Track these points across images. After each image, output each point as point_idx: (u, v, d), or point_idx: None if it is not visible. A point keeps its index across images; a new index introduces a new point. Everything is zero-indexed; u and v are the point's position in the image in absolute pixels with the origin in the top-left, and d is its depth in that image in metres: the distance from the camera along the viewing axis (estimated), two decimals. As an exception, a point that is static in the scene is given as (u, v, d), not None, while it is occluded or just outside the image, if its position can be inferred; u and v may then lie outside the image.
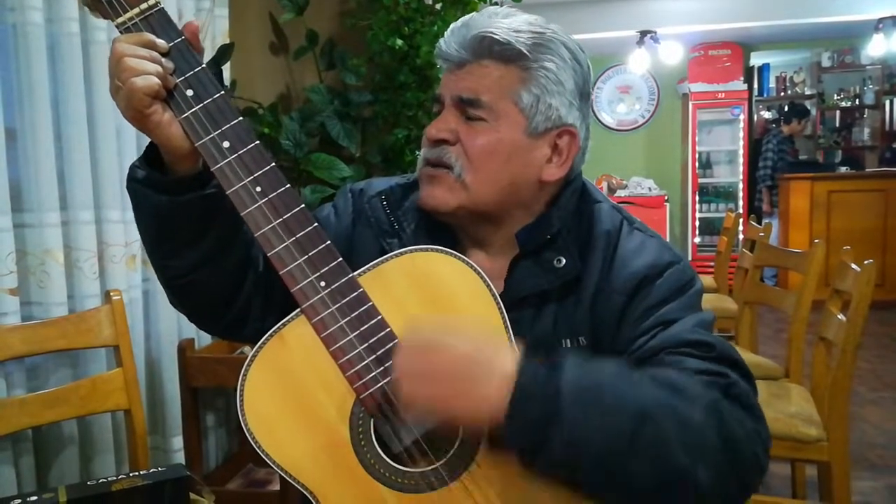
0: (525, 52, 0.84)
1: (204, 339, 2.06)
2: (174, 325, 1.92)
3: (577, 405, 0.68)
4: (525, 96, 0.85)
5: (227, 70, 2.18)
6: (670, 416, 0.70)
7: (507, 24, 0.85)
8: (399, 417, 0.77)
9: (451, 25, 0.89)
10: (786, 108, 6.42)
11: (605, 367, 0.74)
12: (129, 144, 1.74)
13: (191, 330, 1.97)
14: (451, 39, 0.87)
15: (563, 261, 0.87)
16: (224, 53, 2.13)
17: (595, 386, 0.70)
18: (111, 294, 1.53)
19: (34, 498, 1.24)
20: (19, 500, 1.23)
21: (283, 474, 0.76)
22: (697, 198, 6.87)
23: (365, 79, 2.61)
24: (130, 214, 1.75)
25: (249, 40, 2.48)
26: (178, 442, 1.89)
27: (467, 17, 0.88)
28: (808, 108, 6.81)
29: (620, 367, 0.75)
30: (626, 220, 0.92)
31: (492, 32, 0.84)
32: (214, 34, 2.16)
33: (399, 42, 2.45)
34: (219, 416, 2.17)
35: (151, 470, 1.35)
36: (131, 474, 1.33)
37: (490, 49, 0.85)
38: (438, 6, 2.61)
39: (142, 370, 1.78)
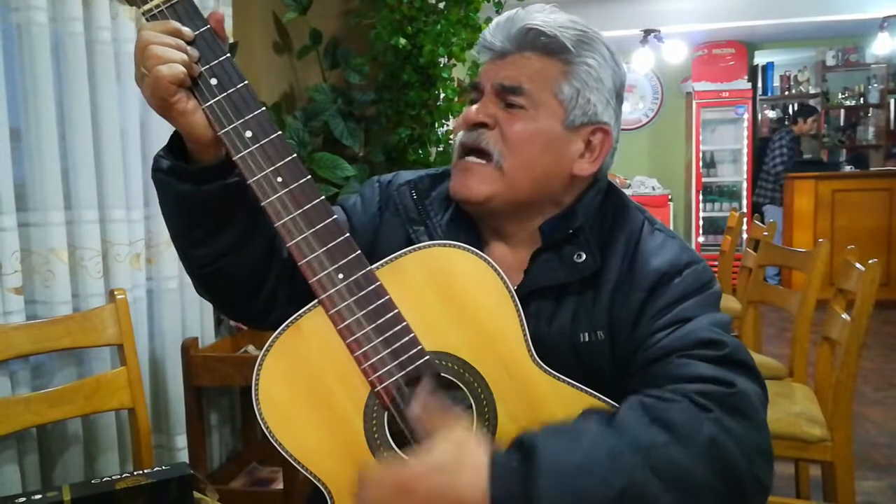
0: (569, 46, 0.86)
1: (208, 338, 2.06)
2: (178, 324, 1.92)
3: (555, 500, 0.66)
4: (566, 89, 0.87)
5: (230, 69, 2.19)
6: (659, 472, 0.68)
7: (553, 20, 0.87)
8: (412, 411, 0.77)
9: (496, 19, 0.91)
10: (797, 107, 6.41)
11: (579, 444, 0.70)
12: (133, 144, 1.75)
13: (195, 329, 1.98)
14: (496, 31, 0.89)
15: (584, 256, 0.88)
16: (228, 53, 2.14)
17: (571, 478, 0.67)
18: (115, 293, 1.53)
19: (38, 496, 1.24)
20: (24, 499, 1.23)
21: (294, 463, 0.77)
22: (701, 197, 6.86)
23: (368, 78, 2.61)
24: (135, 213, 1.77)
25: (253, 39, 2.48)
26: (181, 440, 1.90)
27: (511, 11, 0.90)
28: (805, 110, 6.83)
29: (599, 431, 0.72)
30: (648, 221, 0.94)
31: (538, 25, 0.86)
32: (218, 33, 2.16)
33: (402, 41, 2.45)
34: (223, 415, 2.17)
35: (155, 468, 1.36)
36: (135, 473, 1.33)
37: (535, 41, 0.87)
38: (442, 5, 2.60)
39: (146, 369, 1.79)
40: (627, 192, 6.88)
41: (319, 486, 0.77)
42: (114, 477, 1.32)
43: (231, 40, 2.18)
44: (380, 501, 0.69)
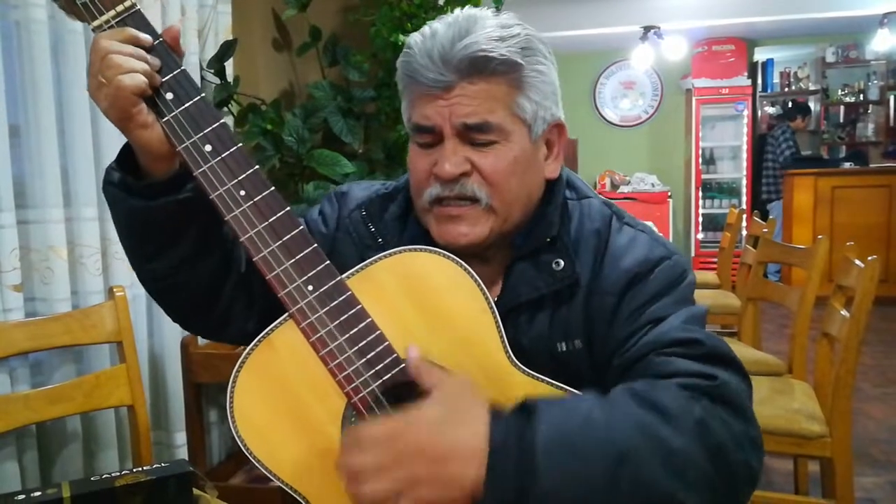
0: (518, 60, 0.81)
1: (207, 335, 2.06)
2: (177, 321, 1.92)
3: (552, 463, 0.65)
4: (526, 105, 0.83)
5: (229, 66, 2.19)
6: (654, 450, 0.67)
7: (487, 35, 0.79)
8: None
9: (416, 45, 0.82)
10: (789, 105, 6.40)
11: (579, 408, 0.70)
12: (132, 141, 1.75)
13: (194, 326, 1.98)
14: (425, 63, 0.80)
15: (562, 263, 0.85)
16: (227, 50, 2.14)
17: (569, 436, 0.66)
18: (114, 290, 1.53)
19: (38, 493, 1.24)
20: (23, 496, 1.23)
21: (275, 480, 0.75)
22: (701, 194, 6.86)
23: (368, 75, 2.61)
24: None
25: (252, 37, 2.48)
26: (181, 437, 1.90)
27: (430, 36, 0.81)
28: (811, 104, 6.80)
29: (595, 403, 0.71)
30: (616, 215, 0.90)
31: (482, 50, 0.79)
32: (217, 31, 2.16)
33: (402, 38, 2.45)
34: (222, 412, 2.17)
35: (155, 465, 1.36)
36: (135, 470, 1.33)
37: (480, 66, 0.79)
38: (441, 2, 2.60)
39: (145, 366, 1.79)
40: (627, 188, 6.91)
41: (301, 501, 0.76)
42: (113, 474, 1.32)
43: (230, 37, 2.18)
44: (374, 464, 0.65)
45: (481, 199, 0.83)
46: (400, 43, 2.45)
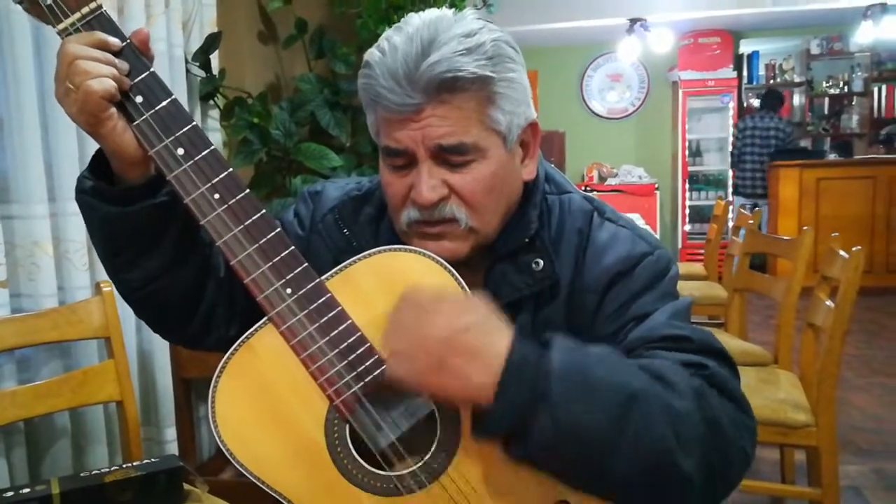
0: (488, 74, 0.77)
1: (195, 329, 2.05)
2: (165, 317, 1.91)
3: (565, 387, 0.67)
4: (499, 117, 0.80)
5: (215, 59, 2.17)
6: (658, 403, 0.68)
7: (452, 49, 0.75)
8: (374, 420, 0.76)
9: (375, 65, 0.78)
10: (765, 95, 6.26)
11: (594, 349, 0.72)
12: (117, 135, 1.73)
13: (182, 321, 1.97)
14: (390, 85, 0.76)
15: (541, 263, 0.84)
16: (212, 42, 2.12)
17: (584, 367, 0.69)
18: (101, 285, 1.52)
19: (27, 490, 1.24)
20: (12, 493, 1.23)
21: (260, 485, 0.75)
22: (687, 186, 6.90)
23: (355, 67, 2.60)
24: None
25: (238, 29, 2.46)
26: (171, 433, 1.89)
27: (391, 52, 0.77)
28: (796, 96, 6.83)
29: (610, 350, 0.74)
30: (597, 211, 0.89)
31: (447, 70, 0.75)
32: (202, 23, 2.15)
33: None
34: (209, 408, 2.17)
35: (145, 461, 1.35)
36: (124, 465, 1.33)
37: (448, 84, 0.76)
38: (428, -6, 2.59)
39: (133, 361, 1.78)
40: (614, 181, 6.93)
41: (285, 503, 0.75)
42: (103, 470, 1.32)
43: (215, 30, 2.16)
44: (406, 344, 0.70)
45: (461, 221, 0.81)
46: (387, 35, 2.44)
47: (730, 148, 6.68)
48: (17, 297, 1.54)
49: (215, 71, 2.17)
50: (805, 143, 6.87)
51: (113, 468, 1.32)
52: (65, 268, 1.62)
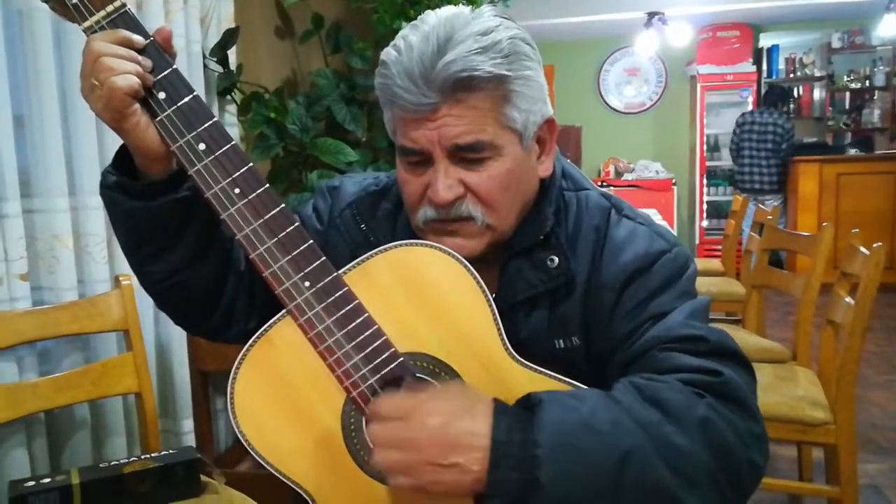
0: (504, 73, 0.77)
1: (213, 323, 2.07)
2: (183, 310, 1.93)
3: (555, 463, 0.65)
4: (515, 115, 0.80)
5: (232, 54, 2.18)
6: (658, 450, 0.67)
7: (468, 48, 0.75)
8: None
9: (392, 67, 0.78)
10: (769, 89, 6.12)
11: (582, 406, 0.69)
12: (136, 130, 1.74)
13: (199, 314, 1.98)
14: (406, 85, 0.77)
15: (556, 260, 0.84)
16: (230, 38, 2.13)
17: (572, 436, 0.67)
18: (120, 279, 1.54)
19: (47, 480, 1.26)
20: (33, 482, 1.25)
21: (277, 475, 0.76)
22: (705, 181, 6.83)
23: (371, 62, 2.60)
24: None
25: (255, 24, 2.47)
26: (188, 424, 1.91)
27: (406, 52, 0.77)
28: (815, 91, 6.73)
29: (599, 400, 0.71)
30: (615, 208, 0.88)
31: (463, 70, 0.75)
32: (220, 19, 2.16)
33: (405, 24, 2.44)
34: (227, 399, 2.18)
35: (163, 452, 1.37)
36: (143, 457, 1.35)
37: (464, 83, 0.76)
38: (444, -12, 2.59)
39: (152, 354, 1.80)
40: (631, 176, 6.87)
41: (303, 494, 0.76)
42: (122, 461, 1.34)
43: (233, 25, 2.17)
44: (387, 438, 0.68)
45: (477, 219, 0.81)
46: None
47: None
48: (37, 290, 1.56)
49: (233, 66, 2.18)
50: (820, 137, 6.78)
51: (132, 459, 1.34)
52: (84, 261, 1.64)
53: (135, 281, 1.61)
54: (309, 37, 2.54)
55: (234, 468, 2.10)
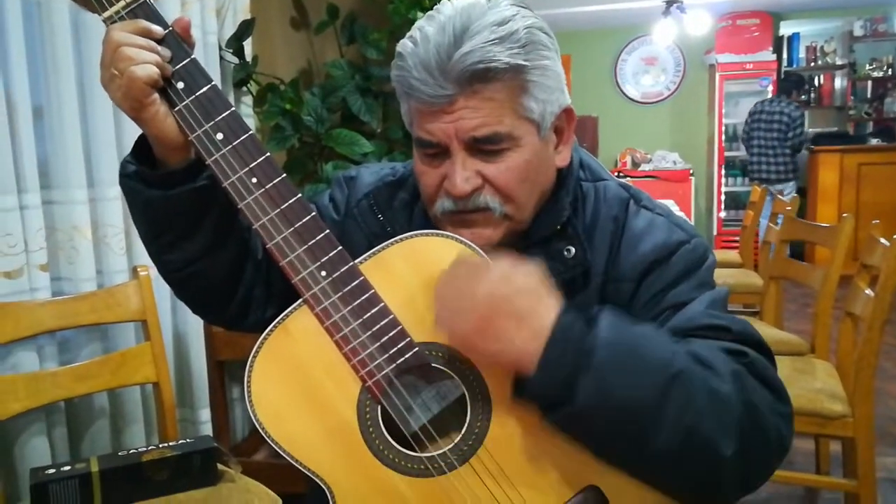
0: (521, 63, 0.77)
1: (229, 313, 2.08)
2: (200, 300, 1.94)
3: (610, 358, 0.67)
4: (532, 105, 0.80)
5: (248, 46, 2.19)
6: (700, 383, 0.69)
7: (485, 39, 0.75)
8: (406, 402, 0.77)
9: (409, 59, 0.78)
10: (781, 79, 6.00)
11: (641, 326, 0.73)
12: (153, 121, 1.75)
13: (216, 305, 2.00)
14: (423, 77, 0.76)
15: (573, 250, 0.84)
16: (245, 29, 2.13)
17: (630, 340, 0.70)
18: (139, 269, 1.55)
19: (67, 468, 1.27)
20: (53, 470, 1.27)
21: (294, 463, 0.77)
22: (723, 171, 6.76)
23: (386, 53, 2.60)
24: (155, 191, 1.78)
25: (270, 15, 2.47)
26: (205, 414, 1.93)
27: (423, 43, 0.77)
28: (837, 79, 6.62)
29: (656, 329, 0.75)
30: (633, 199, 0.88)
31: (480, 61, 0.75)
32: (235, 10, 2.16)
33: (420, 15, 2.43)
34: (245, 388, 2.20)
35: (180, 441, 1.39)
36: (161, 445, 1.36)
37: (481, 75, 0.76)
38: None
39: (169, 344, 1.81)
40: (648, 166, 6.81)
41: (319, 482, 0.77)
42: (140, 449, 1.35)
43: (248, 16, 2.17)
44: (460, 303, 0.71)
45: (495, 210, 0.82)
46: (418, 19, 2.43)
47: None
48: (57, 281, 1.57)
49: (248, 57, 2.18)
50: (841, 126, 6.67)
51: (150, 448, 1.35)
52: (103, 252, 1.66)
53: (153, 271, 1.63)
54: (324, 28, 2.53)
55: (250, 457, 2.12)
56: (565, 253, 0.84)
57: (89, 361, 1.50)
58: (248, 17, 2.18)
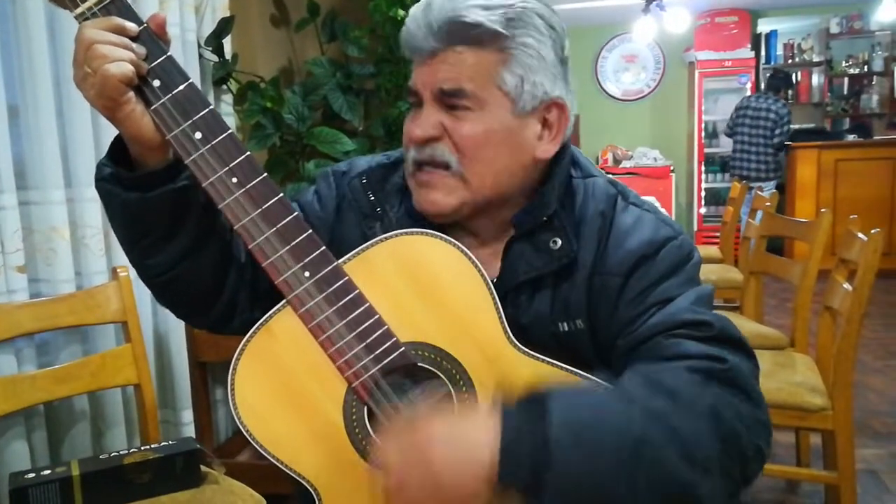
0: (501, 30, 0.79)
1: (211, 314, 2.07)
2: (181, 301, 1.93)
3: (567, 454, 0.64)
4: (508, 78, 0.81)
5: (227, 43, 2.17)
6: (667, 436, 0.67)
7: (474, 2, 0.79)
8: (392, 401, 0.77)
9: (412, 11, 0.82)
10: (768, 76, 6.04)
11: (591, 396, 0.70)
12: (131, 120, 1.73)
13: (198, 305, 1.98)
14: (415, 29, 0.81)
15: (559, 242, 0.85)
16: (224, 27, 2.12)
17: (583, 424, 0.66)
18: (118, 270, 1.54)
19: (48, 472, 1.26)
20: (33, 474, 1.25)
21: (279, 465, 0.76)
22: (703, 168, 6.82)
23: (367, 51, 2.59)
24: (135, 191, 1.76)
25: (250, 13, 2.45)
26: (188, 415, 1.91)
27: (427, 4, 0.81)
28: (814, 76, 6.70)
29: (606, 391, 0.72)
30: (621, 195, 0.89)
31: (461, 16, 0.78)
32: (214, 7, 2.14)
33: (401, 13, 2.42)
34: (228, 390, 2.19)
35: (162, 443, 1.37)
36: (143, 448, 1.35)
37: (462, 34, 0.79)
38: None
39: (150, 345, 1.80)
40: (629, 163, 6.85)
41: (306, 485, 0.76)
42: (121, 452, 1.34)
43: (228, 14, 2.15)
44: (399, 480, 0.66)
45: (451, 165, 0.83)
46: (399, 17, 2.43)
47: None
48: (35, 282, 1.55)
49: (228, 55, 2.17)
50: (818, 123, 6.76)
51: (131, 450, 1.34)
52: (82, 253, 1.64)
53: (132, 272, 1.61)
54: (304, 25, 2.52)
55: (234, 458, 2.11)
56: (551, 244, 0.85)
57: (69, 364, 1.48)
58: (228, 14, 2.16)
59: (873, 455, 2.51)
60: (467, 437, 0.66)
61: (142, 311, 1.64)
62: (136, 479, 1.30)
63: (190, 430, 1.92)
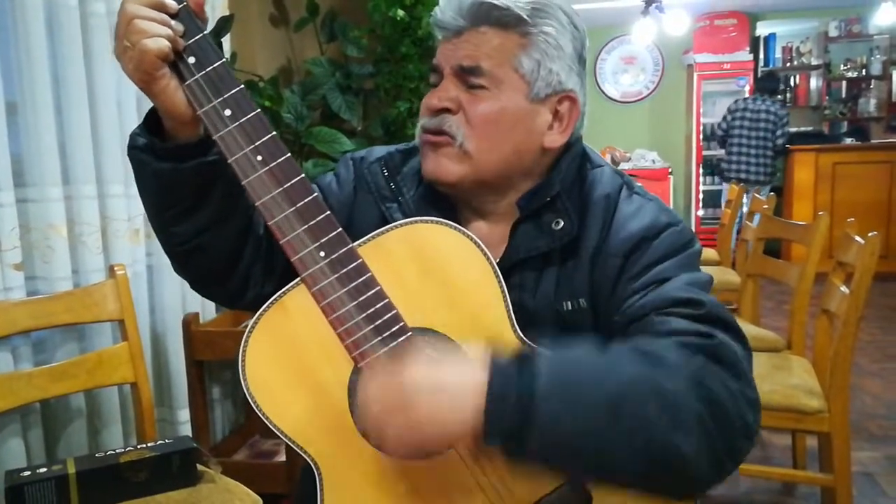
0: (524, 16, 0.84)
1: (208, 312, 2.07)
2: (178, 299, 1.93)
3: (551, 404, 0.67)
4: (526, 62, 0.85)
5: (226, 42, 2.17)
6: (649, 392, 0.69)
7: None
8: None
9: None
10: (758, 78, 5.99)
11: (577, 353, 0.73)
12: (129, 118, 1.73)
13: (195, 304, 1.98)
14: (446, 7, 0.86)
15: (561, 223, 0.88)
16: (224, 26, 2.11)
17: (568, 378, 0.69)
18: (115, 268, 1.53)
19: (44, 470, 1.26)
20: (29, 472, 1.25)
21: (283, 438, 0.78)
22: (701, 170, 6.83)
23: (366, 50, 2.59)
24: (133, 189, 1.75)
25: (249, 12, 2.45)
26: (184, 414, 1.91)
27: None
28: (812, 79, 6.71)
29: (594, 349, 0.74)
30: (626, 185, 0.92)
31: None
32: (214, 6, 2.14)
33: (400, 13, 2.42)
34: (225, 389, 2.19)
35: (159, 442, 1.37)
36: (139, 446, 1.35)
37: (488, 15, 0.84)
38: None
39: (147, 344, 1.79)
40: (627, 165, 6.86)
41: (308, 459, 0.78)
42: (118, 450, 1.34)
43: (227, 13, 2.15)
44: (381, 418, 0.69)
45: (456, 137, 0.86)
46: (398, 17, 2.43)
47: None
48: (32, 280, 1.55)
49: (227, 54, 2.16)
50: (816, 126, 6.77)
51: (128, 449, 1.34)
52: (79, 251, 1.63)
53: (129, 270, 1.61)
54: (304, 25, 2.52)
55: (230, 457, 2.11)
56: (553, 225, 0.88)
57: (65, 362, 1.48)
58: (227, 13, 2.16)
59: (869, 458, 2.51)
60: (453, 384, 0.68)
61: (139, 310, 1.64)
62: (133, 477, 1.30)
63: (186, 429, 1.91)
